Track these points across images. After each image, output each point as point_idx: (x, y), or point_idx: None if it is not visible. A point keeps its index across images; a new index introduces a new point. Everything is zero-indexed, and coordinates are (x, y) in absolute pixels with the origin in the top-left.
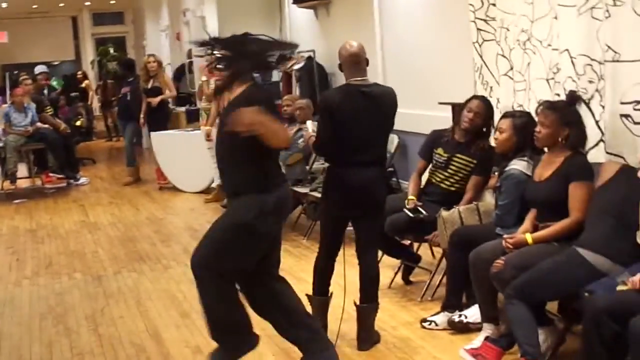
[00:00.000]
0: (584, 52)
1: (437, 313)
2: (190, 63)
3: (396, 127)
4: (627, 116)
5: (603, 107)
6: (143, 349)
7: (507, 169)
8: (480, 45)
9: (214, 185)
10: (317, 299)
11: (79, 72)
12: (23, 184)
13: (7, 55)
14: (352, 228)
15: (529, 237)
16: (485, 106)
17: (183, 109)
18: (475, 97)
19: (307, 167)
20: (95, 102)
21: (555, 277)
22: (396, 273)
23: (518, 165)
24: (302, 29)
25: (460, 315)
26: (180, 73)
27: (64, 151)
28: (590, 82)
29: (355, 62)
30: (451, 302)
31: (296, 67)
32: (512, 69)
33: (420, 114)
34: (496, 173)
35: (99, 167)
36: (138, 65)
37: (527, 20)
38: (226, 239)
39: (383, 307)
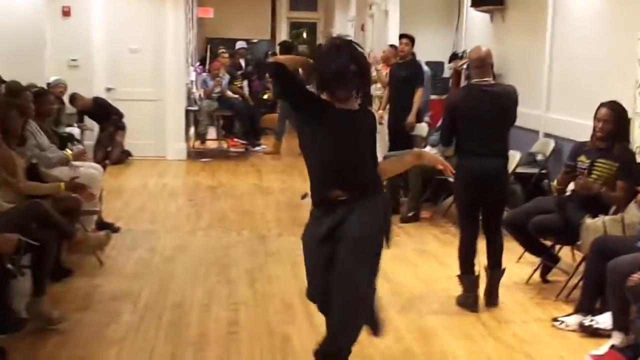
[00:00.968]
0: None
1: (570, 314)
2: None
3: (554, 132)
4: None
5: None
6: (291, 306)
7: None
8: None
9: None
10: (467, 277)
11: (270, 52)
12: (211, 145)
13: (212, 30)
14: None
15: None
16: (613, 111)
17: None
18: (602, 105)
19: None
20: None
21: None
22: (535, 270)
23: None
24: (476, 30)
25: (591, 320)
26: None
27: (249, 120)
28: None
29: (482, 65)
30: (585, 305)
31: (465, 65)
32: None
33: (579, 122)
34: None
35: None
36: None
37: None
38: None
39: (517, 301)
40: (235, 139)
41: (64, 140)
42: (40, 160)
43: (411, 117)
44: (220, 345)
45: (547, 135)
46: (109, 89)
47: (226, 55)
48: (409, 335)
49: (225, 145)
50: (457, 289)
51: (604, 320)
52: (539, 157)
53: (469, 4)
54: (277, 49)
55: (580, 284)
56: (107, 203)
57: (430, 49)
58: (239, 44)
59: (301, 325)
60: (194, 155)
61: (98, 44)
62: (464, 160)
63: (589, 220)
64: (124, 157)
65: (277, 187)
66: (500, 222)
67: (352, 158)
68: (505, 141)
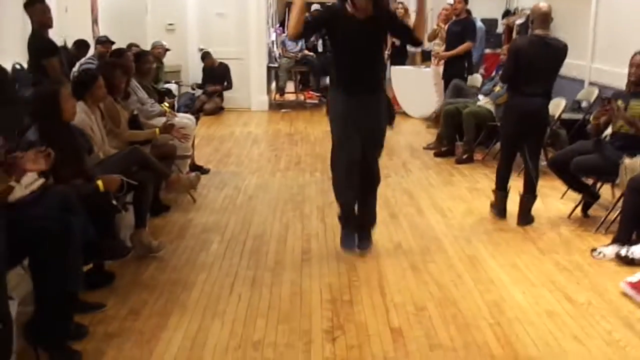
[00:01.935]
0: None
1: (607, 245)
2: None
3: (598, 80)
4: None
5: None
6: None
7: None
8: None
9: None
10: (500, 192)
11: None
12: (289, 97)
13: None
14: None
15: None
16: None
17: (419, 49)
18: (636, 52)
19: None
20: None
21: None
22: (576, 206)
23: None
24: None
25: (627, 250)
26: None
27: (323, 74)
28: None
29: (544, 19)
30: (621, 237)
31: (518, 22)
32: None
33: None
34: None
35: None
36: None
37: None
38: None
39: (560, 233)
40: (311, 92)
41: (162, 95)
42: (141, 112)
43: (444, 54)
44: (294, 270)
45: (591, 84)
46: (200, 49)
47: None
48: (459, 263)
49: (302, 97)
50: (503, 222)
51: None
52: (584, 104)
53: None
54: None
55: (618, 218)
56: (199, 149)
57: (484, 7)
58: (314, 7)
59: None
60: (275, 106)
61: (191, 10)
62: (514, 99)
63: (627, 160)
64: (218, 110)
65: None
66: (538, 155)
67: (361, 59)
68: (551, 86)
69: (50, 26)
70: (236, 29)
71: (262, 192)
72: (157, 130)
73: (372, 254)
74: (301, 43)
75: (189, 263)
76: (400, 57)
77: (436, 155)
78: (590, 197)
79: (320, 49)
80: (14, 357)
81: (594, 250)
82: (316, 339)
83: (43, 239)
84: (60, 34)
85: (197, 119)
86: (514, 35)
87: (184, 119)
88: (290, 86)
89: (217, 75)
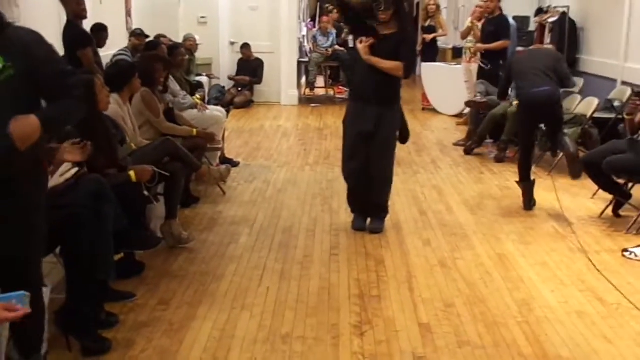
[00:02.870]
0: None
1: (639, 246)
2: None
3: (631, 80)
4: None
5: None
6: (384, 234)
7: None
8: None
9: (465, 111)
10: (523, 183)
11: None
12: (319, 92)
13: None
14: None
15: None
16: None
17: (450, 45)
18: None
19: None
20: None
21: None
22: (607, 206)
23: None
24: None
25: None
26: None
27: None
28: None
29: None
30: None
31: (550, 20)
32: None
33: None
34: None
35: None
36: (421, 7)
37: None
38: None
39: (591, 233)
40: (341, 87)
41: (194, 87)
42: (174, 105)
43: (479, 46)
44: (322, 264)
45: (624, 83)
46: (232, 43)
47: (335, 11)
48: (489, 260)
49: (331, 92)
50: (534, 220)
51: None
52: (616, 104)
53: None
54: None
55: None
56: (230, 142)
57: (517, 4)
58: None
59: (394, 250)
60: (305, 100)
61: (223, 3)
62: (520, 96)
63: None
64: (248, 103)
65: None
66: (557, 139)
67: (377, 74)
68: (557, 76)
69: (85, 17)
70: (267, 23)
71: (291, 186)
72: (194, 130)
73: (400, 250)
74: (332, 38)
75: (218, 255)
76: (431, 54)
77: (466, 152)
78: (621, 197)
79: (351, 44)
80: (46, 344)
81: (625, 250)
82: (344, 333)
83: (76, 227)
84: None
85: (228, 111)
86: (547, 33)
87: (215, 111)
88: (320, 81)
89: (250, 68)
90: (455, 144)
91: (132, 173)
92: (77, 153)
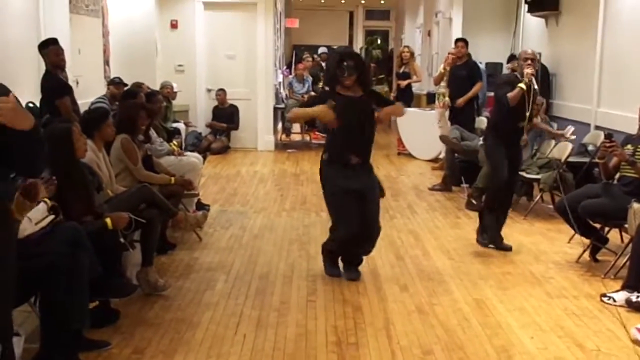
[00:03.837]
0: None
1: (617, 291)
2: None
3: (604, 124)
4: None
5: None
6: (362, 280)
7: None
8: None
9: (440, 156)
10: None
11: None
12: (295, 138)
13: (297, 37)
14: None
15: None
16: None
17: (425, 91)
18: None
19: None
20: None
21: None
22: (585, 250)
23: None
24: (533, 33)
25: (638, 296)
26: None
27: None
28: None
29: None
30: (632, 283)
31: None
32: None
33: (630, 116)
34: None
35: None
36: (395, 54)
37: None
38: None
39: (568, 277)
40: (317, 132)
41: (171, 134)
42: (151, 151)
43: (461, 100)
44: (299, 311)
45: (597, 127)
46: (209, 90)
47: (310, 59)
48: (466, 306)
49: (308, 138)
50: (511, 265)
51: None
52: (590, 148)
53: (526, 10)
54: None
55: (628, 263)
56: (206, 187)
57: (490, 51)
58: (321, 49)
59: (371, 296)
60: (281, 146)
61: (200, 52)
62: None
63: (636, 205)
64: (223, 149)
65: None
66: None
67: (357, 133)
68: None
69: (63, 67)
70: (244, 71)
71: (268, 231)
72: (172, 179)
73: (378, 296)
74: (308, 85)
75: (194, 302)
76: (405, 99)
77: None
78: (598, 241)
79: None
80: None
81: (603, 295)
82: None
83: (51, 275)
84: (73, 74)
85: (204, 157)
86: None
87: (191, 157)
88: (296, 127)
89: (225, 114)
90: (431, 189)
91: (108, 220)
92: (43, 190)
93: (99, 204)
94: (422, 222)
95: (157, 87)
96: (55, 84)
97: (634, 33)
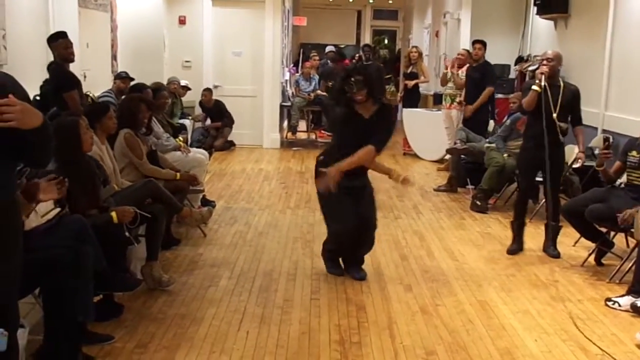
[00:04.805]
0: None
1: (622, 295)
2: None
3: (611, 128)
4: None
5: None
6: (366, 279)
7: None
8: None
9: (446, 157)
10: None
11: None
12: (301, 136)
13: (305, 36)
14: None
15: None
16: None
17: (432, 92)
18: None
19: None
20: None
21: None
22: (590, 254)
23: None
24: (541, 35)
25: None
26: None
27: None
28: None
29: None
30: (637, 287)
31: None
32: None
33: (635, 119)
34: None
35: None
36: (402, 54)
37: None
38: None
39: (573, 281)
40: (323, 131)
41: (177, 130)
42: (157, 147)
43: (470, 108)
44: (303, 309)
45: (605, 131)
46: (215, 86)
47: (317, 58)
48: (470, 307)
49: (313, 136)
50: (515, 268)
51: None
52: (597, 151)
53: (535, 12)
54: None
55: (633, 267)
56: (212, 184)
57: (498, 53)
58: (328, 48)
59: (375, 295)
60: (286, 144)
61: (207, 48)
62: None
63: None
64: (227, 146)
65: None
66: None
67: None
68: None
69: (72, 60)
70: (251, 68)
71: (272, 229)
72: (178, 175)
73: (381, 295)
74: (314, 83)
75: (198, 298)
76: (412, 100)
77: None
78: (604, 246)
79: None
80: None
81: (608, 300)
82: None
83: (55, 268)
84: (81, 68)
85: (210, 154)
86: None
87: (197, 153)
88: (302, 125)
89: (213, 113)
90: (436, 190)
91: (113, 214)
92: (54, 190)
93: (105, 197)
94: (427, 223)
95: (164, 83)
96: (63, 76)
97: None
